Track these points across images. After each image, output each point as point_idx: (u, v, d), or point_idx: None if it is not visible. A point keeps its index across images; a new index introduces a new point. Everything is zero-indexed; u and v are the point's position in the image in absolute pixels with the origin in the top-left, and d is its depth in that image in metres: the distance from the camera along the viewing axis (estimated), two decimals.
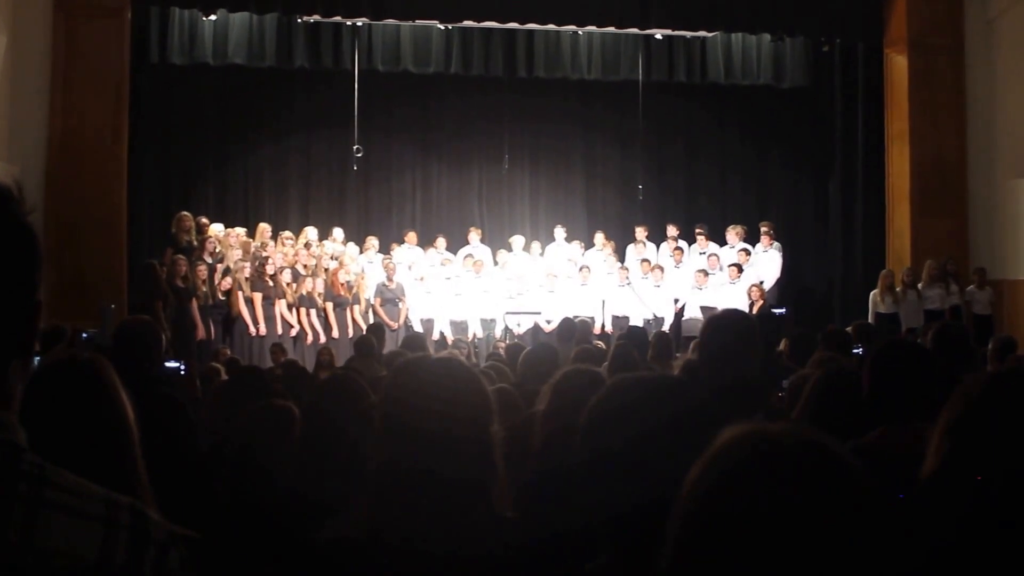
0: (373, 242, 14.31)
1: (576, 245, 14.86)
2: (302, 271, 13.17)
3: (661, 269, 14.16)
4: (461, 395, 2.05)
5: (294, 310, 12.85)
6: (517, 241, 14.86)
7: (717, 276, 14.06)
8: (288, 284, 12.84)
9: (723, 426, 1.21)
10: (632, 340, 7.51)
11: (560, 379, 3.04)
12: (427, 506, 1.97)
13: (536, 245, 14.92)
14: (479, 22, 14.41)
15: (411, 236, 14.63)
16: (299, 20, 14.46)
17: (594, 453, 1.69)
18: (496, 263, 14.45)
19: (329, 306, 13.05)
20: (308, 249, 13.55)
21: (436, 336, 13.37)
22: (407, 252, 14.36)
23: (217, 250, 12.86)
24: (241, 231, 13.62)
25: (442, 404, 2.01)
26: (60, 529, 1.16)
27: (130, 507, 1.22)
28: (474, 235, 14.87)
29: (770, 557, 1.08)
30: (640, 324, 12.33)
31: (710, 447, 1.19)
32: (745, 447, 1.16)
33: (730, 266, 14.06)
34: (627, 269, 14.16)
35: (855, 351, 7.19)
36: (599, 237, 14.91)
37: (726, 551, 1.10)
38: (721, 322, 3.51)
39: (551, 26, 14.73)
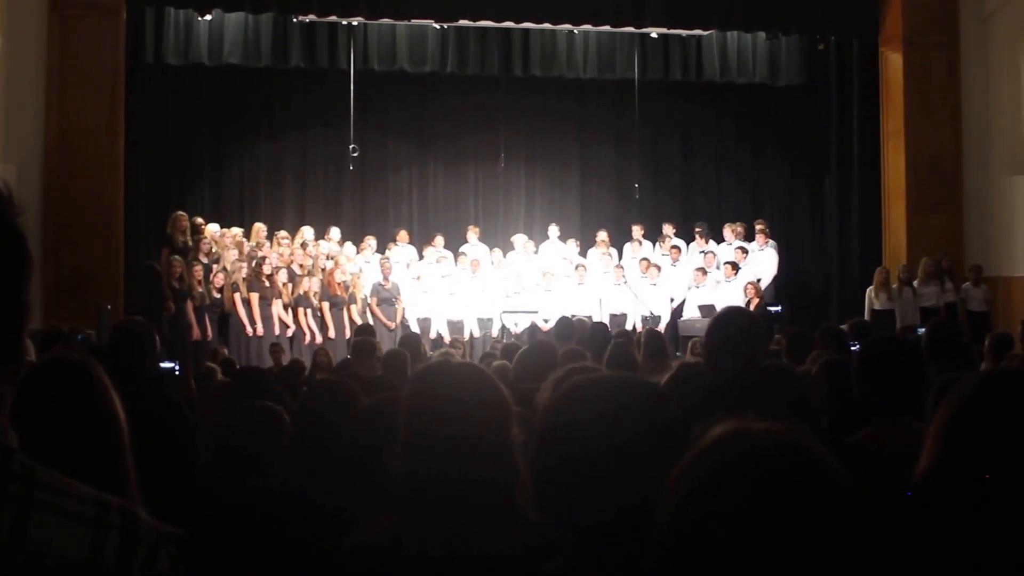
0: (371, 242, 14.30)
1: (572, 244, 14.87)
2: (298, 271, 13.16)
3: (658, 268, 14.16)
4: (481, 399, 2.07)
5: (290, 310, 12.84)
6: (519, 239, 14.86)
7: (714, 274, 14.07)
8: (284, 284, 12.82)
9: (679, 432, 1.23)
10: (597, 337, 7.42)
11: (563, 378, 3.02)
12: (452, 511, 1.97)
13: (532, 244, 14.92)
14: (474, 21, 14.41)
15: (402, 235, 14.63)
16: (295, 20, 14.45)
17: (550, 460, 1.69)
18: (492, 262, 14.45)
19: (325, 306, 13.04)
20: (304, 249, 13.54)
21: (433, 335, 13.37)
22: (402, 251, 14.37)
23: (213, 250, 12.86)
24: (237, 231, 13.60)
25: (463, 409, 2.02)
26: (50, 530, 1.16)
27: (120, 508, 1.23)
28: (472, 234, 14.88)
29: (752, 555, 1.09)
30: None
31: (696, 444, 1.20)
32: (728, 446, 1.17)
33: (725, 264, 14.07)
34: (622, 268, 14.17)
35: (852, 347, 7.18)
36: (602, 235, 14.90)
37: (710, 549, 1.11)
38: (724, 319, 3.52)
39: (547, 25, 14.72)
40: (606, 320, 13.75)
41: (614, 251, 14.76)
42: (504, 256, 14.58)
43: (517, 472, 2.04)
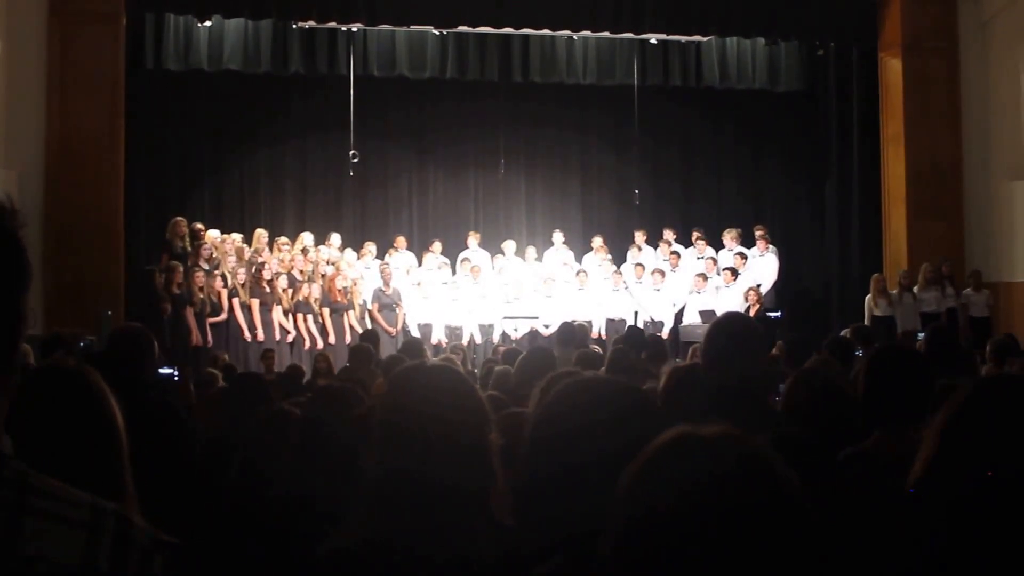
0: (371, 248, 14.30)
1: (564, 249, 14.88)
2: (299, 277, 13.16)
3: (662, 273, 14.16)
4: (458, 402, 2.04)
5: (291, 316, 12.84)
6: (509, 246, 14.86)
7: (714, 280, 14.07)
8: (284, 290, 12.82)
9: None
10: (631, 342, 7.49)
11: (548, 385, 3.01)
12: (425, 514, 1.96)
13: (532, 250, 14.92)
14: (474, 27, 14.41)
15: (400, 241, 14.63)
16: (294, 26, 14.45)
17: (542, 468, 1.68)
18: (494, 268, 14.45)
19: (326, 312, 13.04)
20: (305, 255, 13.54)
21: (434, 341, 13.37)
22: (401, 257, 14.37)
23: (213, 256, 12.86)
24: (237, 237, 13.60)
25: (440, 411, 2.00)
26: (43, 535, 1.16)
27: (115, 513, 1.22)
28: (472, 240, 14.87)
29: (696, 556, 1.10)
30: (638, 325, 12.34)
31: (646, 449, 1.21)
32: (675, 450, 1.18)
33: (724, 270, 14.07)
34: (621, 273, 14.17)
35: (856, 354, 7.19)
36: (597, 241, 14.92)
37: (657, 550, 1.12)
38: (723, 325, 3.52)
39: (546, 31, 14.75)
40: (603, 325, 13.78)
41: (609, 256, 14.76)
42: (504, 262, 14.57)
43: (493, 477, 2.02)
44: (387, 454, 2.02)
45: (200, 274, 12.31)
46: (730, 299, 13.45)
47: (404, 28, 14.57)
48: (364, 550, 1.97)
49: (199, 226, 13.24)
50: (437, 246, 14.55)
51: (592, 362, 6.28)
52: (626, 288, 13.94)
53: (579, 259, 14.90)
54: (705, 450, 1.17)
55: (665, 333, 13.49)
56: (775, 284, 14.48)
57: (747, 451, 1.17)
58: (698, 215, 15.95)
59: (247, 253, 13.30)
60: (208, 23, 14.19)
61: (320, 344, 12.72)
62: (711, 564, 1.10)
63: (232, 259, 12.96)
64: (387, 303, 13.50)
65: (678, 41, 15.39)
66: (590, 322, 13.23)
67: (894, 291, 13.42)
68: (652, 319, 13.73)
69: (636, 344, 7.62)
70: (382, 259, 14.17)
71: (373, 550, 1.96)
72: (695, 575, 1.10)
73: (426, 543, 1.93)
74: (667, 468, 1.17)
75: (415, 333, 13.12)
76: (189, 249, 12.75)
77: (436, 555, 1.92)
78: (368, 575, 1.96)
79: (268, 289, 12.66)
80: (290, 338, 12.76)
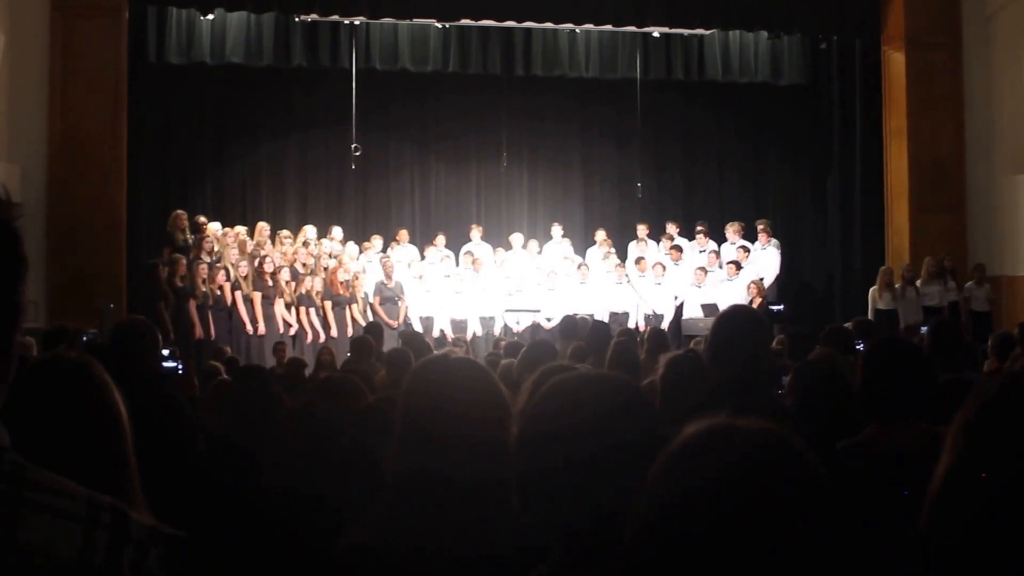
0: (376, 241, 14.30)
1: (566, 243, 14.87)
2: (301, 270, 13.16)
3: (663, 267, 14.15)
4: (479, 397, 2.03)
5: (293, 309, 12.84)
6: (516, 239, 14.86)
7: (716, 273, 14.05)
8: (287, 283, 12.83)
9: (664, 433, 1.23)
10: (595, 340, 7.39)
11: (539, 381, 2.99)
12: (446, 510, 1.95)
13: (534, 243, 14.92)
14: (477, 21, 14.42)
15: (403, 234, 14.62)
16: (296, 19, 14.45)
17: (532, 465, 1.68)
18: (496, 262, 14.45)
19: (328, 305, 13.05)
20: (307, 248, 13.54)
21: (436, 334, 13.37)
22: (404, 251, 14.37)
23: (215, 249, 12.87)
24: (241, 230, 13.60)
25: (461, 407, 1.99)
26: (39, 528, 1.16)
27: (111, 507, 1.22)
28: (475, 232, 14.86)
29: (733, 545, 1.10)
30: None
31: (676, 439, 1.20)
32: (711, 440, 1.17)
33: (728, 263, 14.06)
34: (623, 266, 14.16)
35: (856, 347, 7.18)
36: (600, 234, 14.91)
37: (692, 540, 1.11)
38: (728, 317, 3.51)
39: (548, 24, 14.72)
40: (606, 319, 13.76)
41: (613, 250, 14.75)
42: (505, 255, 14.57)
43: (514, 471, 2.01)
44: (407, 450, 2.01)
45: (203, 267, 12.31)
46: (732, 292, 13.44)
47: (406, 21, 14.57)
48: (383, 546, 1.96)
49: (201, 219, 13.24)
50: (441, 240, 14.54)
51: (586, 356, 6.27)
52: (628, 281, 13.93)
53: (582, 252, 14.89)
54: (748, 440, 1.16)
55: (665, 326, 13.47)
56: (777, 278, 14.47)
57: (789, 444, 1.17)
58: (700, 209, 15.93)
59: (249, 246, 13.30)
60: (211, 16, 14.18)
61: (322, 337, 12.73)
62: (743, 552, 1.09)
63: (234, 252, 12.97)
64: (389, 296, 13.50)
65: (680, 35, 15.38)
66: (591, 315, 13.22)
67: (897, 284, 13.42)
68: (654, 312, 13.73)
69: (601, 340, 7.45)
70: (384, 253, 14.17)
71: (393, 546, 1.95)
72: (725, 562, 1.10)
73: (446, 539, 1.93)
74: (707, 455, 1.16)
75: (417, 326, 13.12)
76: (190, 242, 12.76)
77: (456, 551, 1.92)
78: (387, 571, 1.95)
79: (270, 282, 12.67)
80: (292, 331, 12.78)
